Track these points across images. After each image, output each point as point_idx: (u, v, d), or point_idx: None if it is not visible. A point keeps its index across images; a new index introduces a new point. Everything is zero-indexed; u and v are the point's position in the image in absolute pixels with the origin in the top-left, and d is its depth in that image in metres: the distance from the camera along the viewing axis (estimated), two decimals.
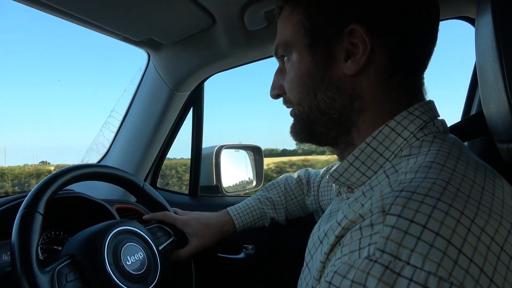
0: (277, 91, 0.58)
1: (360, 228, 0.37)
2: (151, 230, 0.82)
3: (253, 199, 0.98)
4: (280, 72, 0.58)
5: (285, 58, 0.55)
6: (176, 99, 1.24)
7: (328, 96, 0.50)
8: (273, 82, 0.59)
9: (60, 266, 0.64)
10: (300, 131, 0.56)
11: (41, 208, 0.66)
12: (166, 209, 0.92)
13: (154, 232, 0.83)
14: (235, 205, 0.96)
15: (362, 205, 0.40)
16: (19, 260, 0.60)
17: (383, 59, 0.47)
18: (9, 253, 0.80)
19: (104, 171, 0.83)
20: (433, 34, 0.49)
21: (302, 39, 0.50)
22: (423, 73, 0.51)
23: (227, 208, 0.95)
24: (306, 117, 0.53)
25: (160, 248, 0.80)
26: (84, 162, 1.42)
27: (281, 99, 0.59)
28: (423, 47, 0.49)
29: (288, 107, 0.58)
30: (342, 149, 0.54)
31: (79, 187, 0.95)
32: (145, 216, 0.93)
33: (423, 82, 0.51)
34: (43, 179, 0.71)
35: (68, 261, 0.66)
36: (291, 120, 0.58)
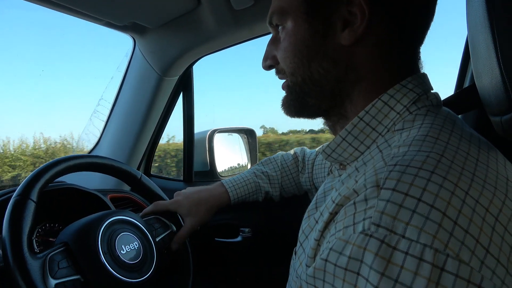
0: (269, 62, 0.56)
1: (354, 203, 0.37)
2: (148, 221, 0.82)
3: (249, 172, 0.98)
4: (274, 42, 0.55)
5: (279, 27, 0.53)
6: (165, 84, 1.22)
7: (322, 66, 0.48)
8: (265, 52, 0.57)
9: (52, 253, 0.63)
10: (292, 103, 0.54)
11: (34, 195, 0.65)
12: (163, 200, 0.92)
13: (151, 224, 0.82)
14: (230, 178, 0.96)
15: (356, 181, 0.40)
16: (9, 246, 0.59)
17: (381, 30, 0.46)
18: (0, 248, 0.79)
19: (100, 162, 0.82)
20: (432, 6, 0.48)
21: (299, 6, 0.48)
22: (420, 47, 0.50)
23: (222, 180, 0.94)
24: (299, 88, 0.52)
25: (157, 240, 0.79)
26: (76, 153, 1.40)
27: (273, 70, 0.57)
28: (421, 20, 0.48)
29: (280, 78, 0.56)
30: (334, 121, 0.54)
31: (71, 179, 0.94)
32: (141, 214, 0.92)
33: (419, 56, 0.50)
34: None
35: (61, 248, 0.66)
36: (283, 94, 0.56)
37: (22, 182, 0.67)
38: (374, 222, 0.33)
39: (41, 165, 0.71)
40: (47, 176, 0.69)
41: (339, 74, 0.48)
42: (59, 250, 0.65)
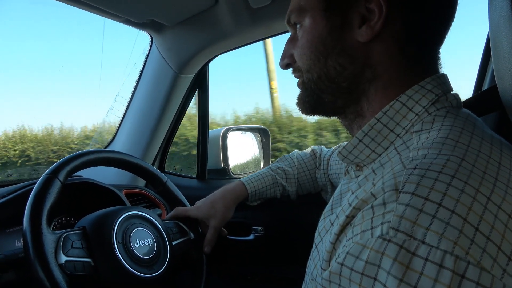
0: (287, 61, 0.56)
1: (372, 207, 0.36)
2: (166, 224, 0.82)
3: (265, 168, 0.98)
4: (292, 41, 0.55)
5: (298, 26, 0.53)
6: (180, 82, 1.22)
7: (339, 63, 0.48)
8: (283, 51, 0.57)
9: (69, 232, 0.66)
10: (307, 101, 0.54)
11: (61, 176, 0.69)
12: (184, 206, 0.92)
13: (169, 227, 0.83)
14: (247, 176, 0.96)
15: (374, 184, 0.39)
16: (29, 216, 0.62)
17: (399, 27, 0.45)
18: (21, 239, 0.81)
19: (130, 160, 0.85)
20: (452, 6, 0.47)
21: (317, 3, 0.48)
22: (439, 47, 0.49)
23: (239, 179, 0.94)
24: (314, 85, 0.51)
25: (173, 243, 0.79)
26: (94, 148, 1.42)
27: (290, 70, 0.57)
28: (440, 18, 0.47)
29: (296, 76, 0.56)
30: (351, 120, 0.53)
31: (87, 174, 0.96)
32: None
33: (439, 57, 0.49)
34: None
35: (78, 231, 0.68)
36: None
37: (55, 163, 0.71)
38: (392, 227, 0.32)
39: (74, 153, 0.75)
40: (77, 162, 0.73)
41: (356, 71, 0.48)
42: (76, 232, 0.67)
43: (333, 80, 0.49)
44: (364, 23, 0.46)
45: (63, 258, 0.62)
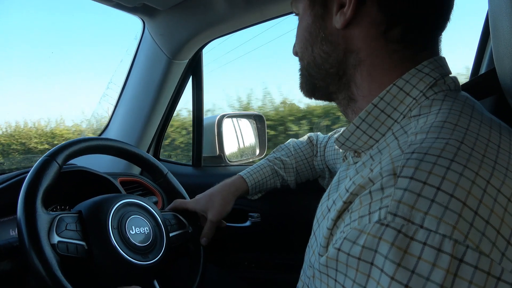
0: (294, 49, 0.59)
1: (370, 192, 0.36)
2: (165, 216, 0.82)
3: (263, 160, 0.97)
4: None
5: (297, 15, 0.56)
6: (174, 68, 1.20)
7: (323, 50, 0.50)
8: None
9: (64, 215, 0.65)
10: (303, 86, 0.57)
11: (59, 159, 0.69)
12: (184, 198, 0.92)
13: (167, 218, 0.82)
14: (245, 170, 0.95)
15: (371, 170, 0.39)
16: (24, 194, 0.62)
17: (375, 12, 0.45)
18: (16, 228, 0.81)
19: (130, 150, 0.85)
20: None
21: None
22: (438, 30, 0.48)
23: (238, 173, 0.94)
24: (306, 71, 0.54)
25: (170, 235, 0.79)
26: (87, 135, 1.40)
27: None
28: (427, 1, 0.45)
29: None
30: (345, 106, 0.53)
31: (80, 161, 0.95)
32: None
33: (438, 40, 0.48)
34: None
35: (74, 214, 0.67)
36: None
37: (54, 147, 0.71)
38: (390, 212, 0.32)
39: (75, 138, 0.75)
40: (76, 147, 0.73)
41: (339, 57, 0.49)
42: (71, 214, 0.67)
43: (320, 66, 0.51)
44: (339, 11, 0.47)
45: (56, 239, 0.61)
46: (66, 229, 0.63)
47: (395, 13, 0.45)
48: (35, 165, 0.66)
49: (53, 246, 0.60)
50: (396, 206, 0.32)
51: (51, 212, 0.64)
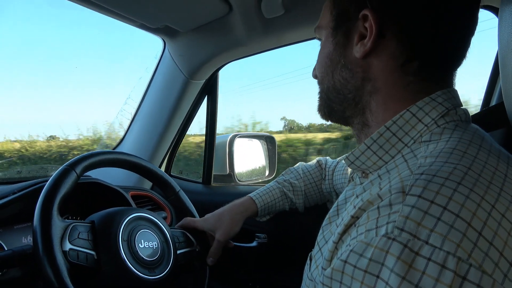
0: (313, 72, 0.61)
1: (378, 207, 0.37)
2: (174, 233, 0.83)
3: (272, 182, 0.98)
4: None
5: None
6: (191, 87, 1.24)
7: (342, 76, 0.52)
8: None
9: (78, 223, 0.67)
10: (321, 108, 0.59)
11: (78, 169, 0.72)
12: (194, 217, 0.93)
13: (176, 236, 0.83)
14: (254, 191, 0.96)
15: (380, 188, 0.40)
16: (42, 201, 0.65)
17: (394, 45, 0.47)
18: (29, 236, 0.82)
19: (146, 166, 0.87)
20: (461, 22, 0.47)
21: (330, 22, 0.54)
22: (453, 66, 0.49)
23: (247, 195, 0.95)
24: (325, 95, 0.57)
25: (178, 252, 0.80)
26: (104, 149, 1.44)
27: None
28: (447, 36, 0.47)
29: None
30: (359, 130, 0.55)
31: (94, 173, 0.97)
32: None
33: (453, 74, 0.50)
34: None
35: (87, 224, 0.69)
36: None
37: (74, 157, 0.74)
38: (397, 226, 0.33)
39: (96, 150, 0.78)
40: (94, 159, 0.76)
41: (357, 84, 0.51)
42: (84, 224, 0.69)
43: (339, 91, 0.54)
44: (360, 41, 0.49)
45: (68, 246, 0.63)
46: (78, 237, 0.65)
47: (414, 48, 0.47)
48: (55, 173, 0.69)
49: (64, 253, 0.62)
50: (403, 222, 0.33)
51: (65, 220, 0.66)
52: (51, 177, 0.68)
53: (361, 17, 0.48)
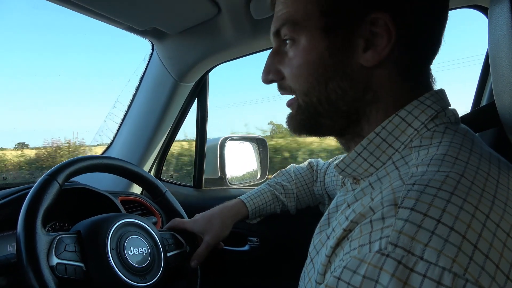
0: (272, 76, 0.52)
1: (371, 221, 0.36)
2: (163, 235, 0.82)
3: (263, 185, 0.97)
4: (277, 54, 0.51)
5: (288, 41, 0.49)
6: (180, 90, 1.23)
7: (340, 87, 0.46)
8: (266, 64, 0.52)
9: (63, 235, 0.65)
10: (302, 123, 0.51)
11: (60, 178, 0.69)
12: (182, 218, 0.91)
13: (165, 238, 0.82)
14: (245, 193, 0.95)
15: (372, 199, 0.39)
16: (24, 215, 0.62)
17: (402, 51, 0.45)
18: (13, 244, 0.80)
19: (130, 169, 0.85)
20: (443, 21, 0.48)
21: (316, 21, 0.45)
22: (431, 64, 0.50)
23: (238, 197, 0.93)
24: (313, 109, 0.49)
25: (168, 255, 0.79)
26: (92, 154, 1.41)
27: (274, 84, 0.53)
28: (437, 39, 0.47)
29: (283, 93, 0.53)
30: (349, 139, 0.52)
31: (83, 179, 0.95)
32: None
33: (431, 73, 0.50)
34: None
35: (73, 235, 0.67)
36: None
37: (55, 166, 0.71)
38: (391, 242, 0.32)
39: (77, 156, 0.75)
40: (77, 166, 0.73)
41: (357, 95, 0.47)
42: (70, 235, 0.66)
43: (333, 103, 0.47)
44: (369, 48, 0.44)
45: (55, 260, 0.61)
46: (65, 250, 0.63)
47: (418, 52, 0.46)
48: (35, 184, 0.66)
49: (51, 268, 0.60)
50: (396, 237, 0.32)
51: (50, 232, 0.64)
52: (32, 189, 0.66)
53: (370, 20, 0.43)
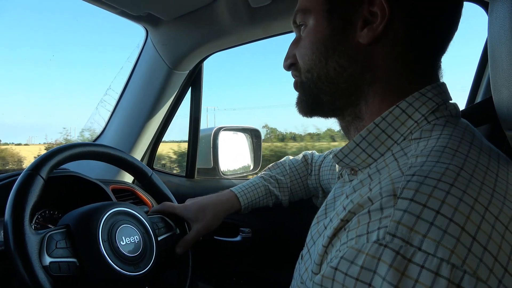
0: (290, 61, 0.56)
1: (369, 211, 0.35)
2: (152, 219, 0.81)
3: (257, 178, 0.96)
4: (296, 42, 0.56)
5: (302, 26, 0.53)
6: (174, 78, 1.21)
7: (339, 64, 0.48)
8: (287, 52, 0.57)
9: (52, 232, 0.63)
10: (305, 100, 0.54)
11: (43, 172, 0.66)
12: (170, 201, 0.90)
13: (155, 222, 0.81)
14: (238, 185, 0.94)
15: (370, 189, 0.39)
16: (11, 217, 0.59)
17: (400, 32, 0.45)
18: (2, 231, 0.78)
19: (114, 154, 0.83)
20: (454, 17, 0.47)
21: (321, 5, 0.49)
22: (441, 56, 0.49)
23: (230, 188, 0.93)
24: (313, 84, 0.52)
25: (159, 239, 0.78)
26: (81, 141, 1.39)
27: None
28: (442, 27, 0.47)
29: (294, 76, 0.56)
30: (348, 122, 0.53)
31: (74, 167, 0.93)
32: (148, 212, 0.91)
33: (440, 65, 0.49)
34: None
35: (62, 230, 0.65)
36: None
37: (36, 159, 0.68)
38: (389, 232, 0.32)
39: (58, 146, 0.72)
40: (60, 156, 0.70)
41: (355, 72, 0.48)
42: (59, 230, 0.65)
43: (332, 80, 0.50)
44: (366, 26, 0.46)
45: (48, 260, 0.59)
46: (56, 247, 0.61)
47: (417, 35, 0.46)
48: (18, 180, 0.64)
49: (45, 268, 0.58)
50: (395, 227, 0.32)
51: (39, 223, 0.62)
52: (15, 185, 0.63)
53: (367, 0, 0.45)
